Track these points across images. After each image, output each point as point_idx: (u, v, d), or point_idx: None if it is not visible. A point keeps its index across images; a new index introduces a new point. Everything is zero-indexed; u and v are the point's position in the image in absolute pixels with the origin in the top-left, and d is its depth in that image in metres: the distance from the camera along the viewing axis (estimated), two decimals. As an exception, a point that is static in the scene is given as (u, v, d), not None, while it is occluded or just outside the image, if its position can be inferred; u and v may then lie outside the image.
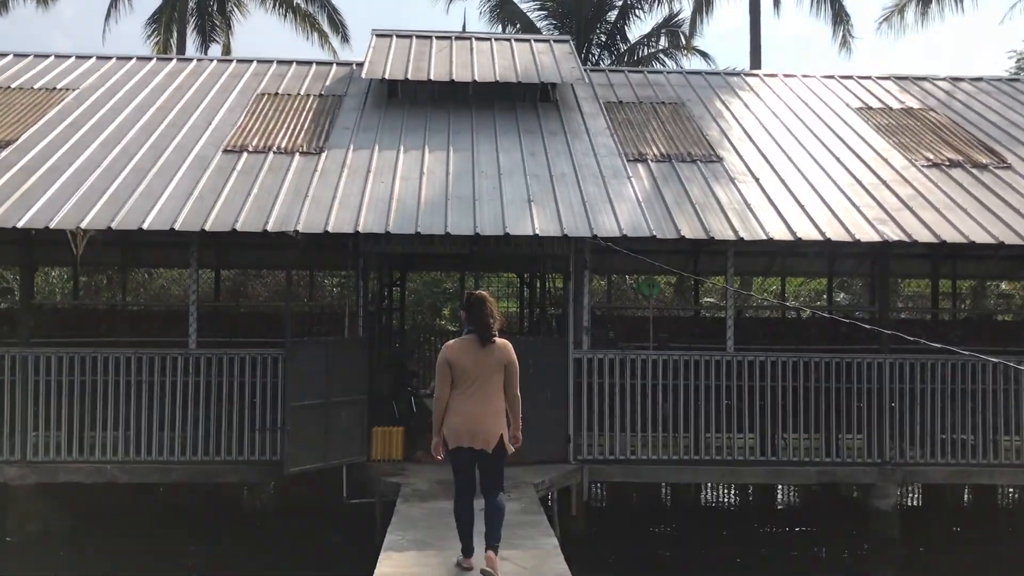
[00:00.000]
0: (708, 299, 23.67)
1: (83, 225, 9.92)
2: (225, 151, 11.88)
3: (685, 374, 10.93)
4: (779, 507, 13.78)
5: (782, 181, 11.80)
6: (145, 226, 9.98)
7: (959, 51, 79.46)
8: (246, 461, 10.68)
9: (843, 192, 11.53)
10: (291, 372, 10.08)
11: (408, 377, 13.32)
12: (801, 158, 12.54)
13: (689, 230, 10.34)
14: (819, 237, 10.40)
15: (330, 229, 10.03)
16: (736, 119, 13.90)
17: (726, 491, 14.08)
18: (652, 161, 12.14)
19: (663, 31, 27.90)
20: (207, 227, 9.98)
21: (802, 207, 11.08)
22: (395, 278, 16.00)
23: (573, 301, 11.02)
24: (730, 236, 10.31)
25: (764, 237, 10.34)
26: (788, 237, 10.39)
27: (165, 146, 11.98)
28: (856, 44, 32.91)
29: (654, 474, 11.09)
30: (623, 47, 28.15)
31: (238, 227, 9.98)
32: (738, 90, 15.22)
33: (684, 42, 27.80)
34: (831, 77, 15.96)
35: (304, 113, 13.29)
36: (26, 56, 15.09)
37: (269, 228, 9.98)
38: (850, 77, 16.01)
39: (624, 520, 12.61)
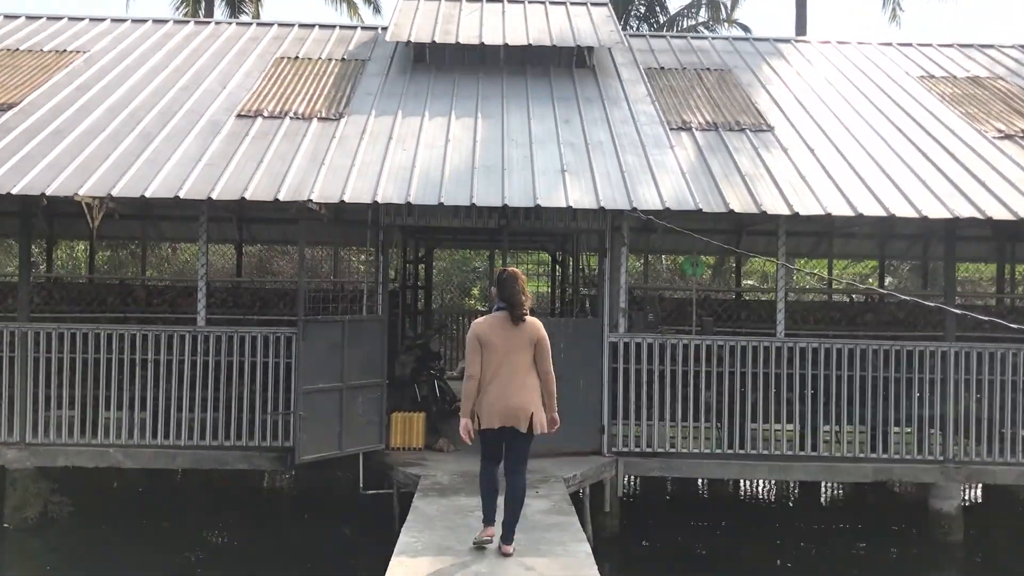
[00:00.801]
0: (747, 281, 22.80)
1: (81, 192, 9.21)
2: (238, 116, 11.13)
3: (731, 361, 10.07)
4: (823, 501, 12.85)
5: (839, 152, 10.82)
6: (148, 194, 9.26)
7: (1013, 24, 76.92)
8: (257, 447, 10.01)
9: (907, 164, 10.53)
10: (304, 353, 9.36)
11: (432, 359, 12.56)
12: (859, 128, 11.53)
13: (739, 203, 9.42)
14: (882, 213, 9.43)
15: (347, 199, 9.25)
16: (787, 87, 12.90)
17: (765, 483, 13.16)
18: (697, 130, 11.21)
19: (704, 2, 26.79)
20: (214, 195, 9.23)
21: (862, 180, 10.10)
22: (420, 254, 15.24)
23: (609, 280, 10.17)
24: (783, 211, 9.38)
25: (822, 212, 9.40)
26: (848, 213, 9.43)
27: (175, 111, 11.24)
28: (905, 19, 31.55)
29: (695, 469, 10.23)
30: (662, 19, 27.09)
31: (247, 196, 9.23)
32: (788, 57, 14.18)
33: (726, 14, 26.69)
34: (888, 44, 14.87)
35: (325, 78, 12.50)
36: (38, 18, 14.41)
37: (281, 197, 9.21)
38: (909, 44, 14.90)
39: (660, 514, 11.76)
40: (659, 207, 9.28)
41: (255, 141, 10.47)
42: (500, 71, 12.84)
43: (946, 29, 73.09)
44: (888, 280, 25.79)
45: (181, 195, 9.21)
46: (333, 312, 9.87)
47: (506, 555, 6.47)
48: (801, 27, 24.07)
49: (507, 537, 6.52)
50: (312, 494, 11.82)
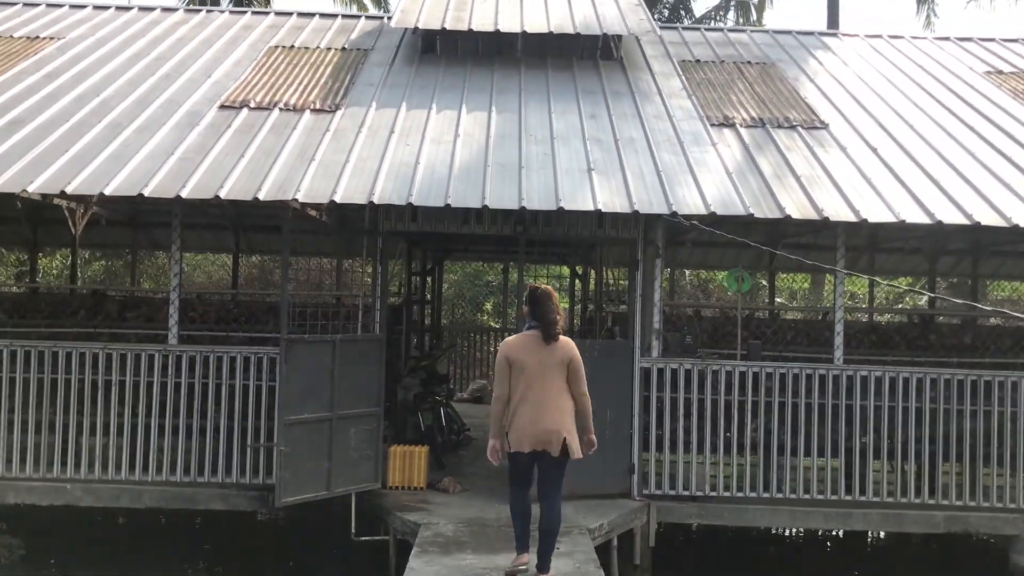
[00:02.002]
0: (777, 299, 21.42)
1: (30, 189, 7.92)
2: (222, 107, 9.86)
3: (781, 390, 8.70)
4: (875, 541, 11.35)
5: (906, 152, 9.45)
6: (108, 191, 7.97)
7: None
8: (235, 484, 8.70)
9: (986, 167, 9.15)
10: (287, 377, 8.03)
11: (439, 383, 11.21)
12: (926, 127, 10.16)
13: (796, 208, 8.05)
14: (965, 221, 8.04)
15: (338, 199, 7.94)
16: (838, 81, 11.54)
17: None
18: (741, 126, 9.87)
19: (732, 3, 25.47)
20: (184, 193, 7.94)
21: (936, 184, 8.73)
22: (427, 266, 13.92)
23: (642, 297, 8.82)
24: (848, 217, 8.01)
25: (894, 219, 8.01)
26: (925, 220, 8.04)
27: (151, 100, 10.00)
28: (939, 25, 30.27)
29: (739, 516, 8.79)
30: (687, 21, 25.78)
31: (223, 194, 7.93)
32: (836, 51, 12.83)
33: (755, 16, 25.35)
34: (946, 39, 13.51)
35: (322, 67, 11.23)
36: (13, 4, 13.22)
37: (261, 196, 7.91)
38: (969, 39, 13.52)
39: (695, 560, 10.32)
40: (702, 211, 7.93)
41: (237, 134, 9.20)
42: (517, 63, 11.54)
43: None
44: (924, 298, 24.38)
45: (146, 193, 7.93)
46: (324, 330, 8.58)
47: None
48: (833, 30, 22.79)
49: (543, 566, 6.29)
50: (301, 535, 10.42)
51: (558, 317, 6.21)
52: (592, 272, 14.23)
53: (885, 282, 11.87)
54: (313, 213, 9.00)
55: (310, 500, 8.19)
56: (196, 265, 23.13)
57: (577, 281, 15.24)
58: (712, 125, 9.85)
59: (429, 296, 14.88)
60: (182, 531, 10.08)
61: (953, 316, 13.18)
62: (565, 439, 6.11)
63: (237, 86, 10.46)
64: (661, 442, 8.71)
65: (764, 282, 24.08)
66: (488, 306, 21.58)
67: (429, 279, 14.61)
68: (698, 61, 12.01)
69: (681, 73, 11.49)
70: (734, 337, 10.28)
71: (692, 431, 8.70)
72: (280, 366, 8.08)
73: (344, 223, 9.85)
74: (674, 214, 7.83)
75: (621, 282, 11.06)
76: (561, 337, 6.21)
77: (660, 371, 8.73)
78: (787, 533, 11.07)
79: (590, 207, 7.95)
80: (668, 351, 8.97)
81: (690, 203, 8.07)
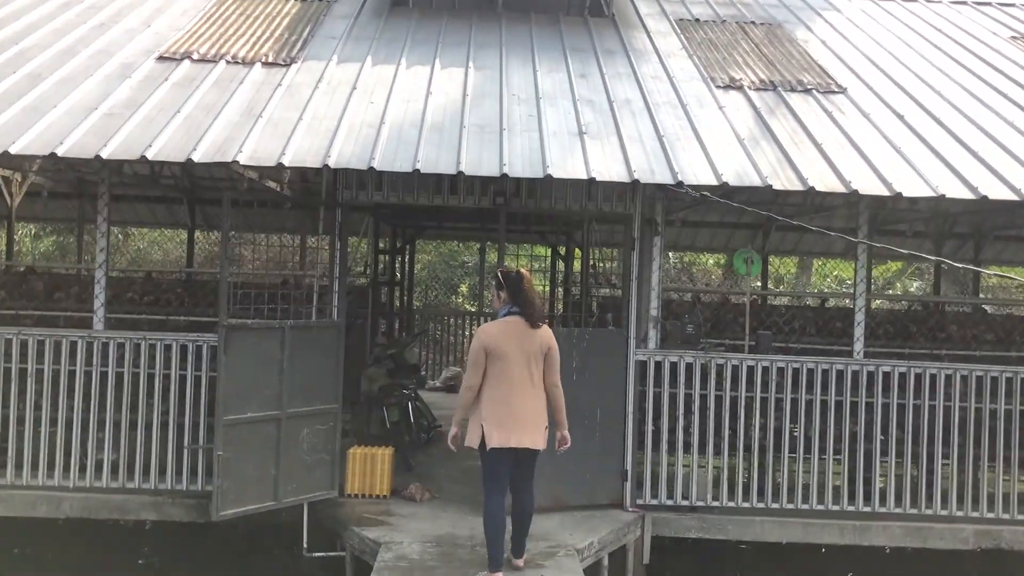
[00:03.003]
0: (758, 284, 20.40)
1: (-82, 145, 6.67)
2: (160, 59, 8.62)
3: (793, 386, 7.67)
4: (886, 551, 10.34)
5: (936, 120, 8.38)
6: (14, 150, 6.73)
7: None
8: (170, 491, 7.56)
9: (1026, 136, 8.12)
10: (227, 369, 6.88)
11: (408, 373, 10.07)
12: (955, 93, 9.10)
13: (820, 180, 6.94)
14: (1013, 196, 6.97)
15: (287, 161, 6.74)
16: (852, 44, 10.44)
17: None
18: (750, 89, 8.76)
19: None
20: (105, 154, 6.71)
21: (975, 155, 7.66)
22: (398, 244, 12.76)
23: (637, 280, 7.73)
24: (880, 191, 6.92)
25: (932, 194, 6.92)
26: (967, 195, 6.95)
27: (79, 51, 8.73)
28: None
29: (745, 529, 7.72)
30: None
31: (150, 155, 6.71)
32: (846, 13, 11.71)
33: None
34: (963, 2, 12.44)
35: (279, 19, 9.98)
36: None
37: (196, 158, 6.70)
38: (988, 3, 12.47)
39: (690, 569, 9.26)
40: (712, 181, 6.81)
41: (176, 88, 7.98)
42: (498, 17, 10.37)
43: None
44: (915, 284, 23.44)
45: (60, 152, 6.70)
46: (275, 315, 7.42)
47: (518, 568, 5.99)
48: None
49: (518, 551, 6.03)
50: (250, 545, 9.25)
51: (540, 300, 5.91)
52: (577, 252, 13.12)
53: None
54: (273, 184, 7.86)
55: (253, 512, 7.08)
56: (153, 241, 21.79)
57: (559, 262, 14.10)
58: (717, 87, 8.74)
59: (400, 277, 13.73)
60: (123, 536, 8.84)
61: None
62: (545, 430, 5.83)
63: (181, 37, 9.21)
64: (658, 445, 7.66)
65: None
66: (464, 288, 20.43)
67: (400, 259, 13.44)
68: (697, 20, 10.87)
69: (679, 32, 10.35)
70: (736, 325, 9.26)
71: (693, 432, 7.66)
72: (219, 356, 6.93)
73: (309, 194, 8.69)
74: (680, 184, 6.71)
75: (609, 264, 9.94)
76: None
77: (658, 364, 7.66)
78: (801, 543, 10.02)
79: (582, 175, 6.81)
80: (667, 341, 7.90)
81: (698, 172, 6.95)
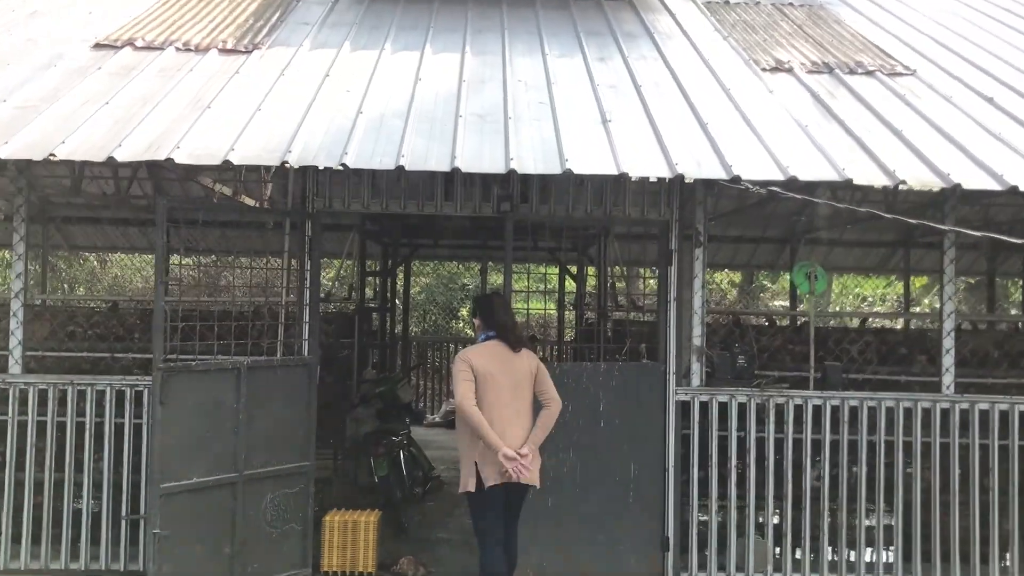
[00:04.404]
0: (779, 303, 18.94)
1: None
2: (97, 46, 7.21)
3: (870, 427, 6.25)
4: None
5: (1033, 103, 6.96)
6: None
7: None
8: (104, 571, 6.11)
9: None
10: (163, 425, 5.44)
11: (399, 415, 8.62)
12: (1043, 73, 7.68)
13: (911, 175, 5.48)
14: None
15: (235, 160, 5.30)
16: (910, 25, 9.04)
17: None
18: (802, 71, 7.33)
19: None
20: (4, 154, 5.29)
21: (1089, 140, 6.23)
22: (388, 264, 11.32)
23: (676, 302, 6.30)
24: (989, 185, 5.46)
25: (1059, 188, 5.47)
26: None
27: (2, 39, 7.35)
28: None
29: (817, 609, 6.27)
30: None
31: (60, 154, 5.26)
32: (894, -6, 10.32)
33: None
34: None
35: (245, 4, 8.60)
36: None
37: (120, 157, 5.26)
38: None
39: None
40: (779, 176, 5.36)
41: (109, 78, 6.56)
42: (498, 3, 8.98)
43: None
44: (926, 302, 21.84)
45: (-64, 153, 5.27)
46: (225, 350, 6.00)
47: None
48: None
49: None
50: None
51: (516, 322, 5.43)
52: (589, 270, 11.67)
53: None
54: (251, 201, 6.50)
55: (202, 603, 5.62)
56: (136, 269, 20.38)
57: (569, 281, 12.58)
58: (763, 70, 7.32)
59: (394, 301, 12.27)
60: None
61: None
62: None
63: (127, 24, 7.82)
64: (707, 502, 6.22)
65: (768, 283, 21.72)
66: (464, 312, 18.95)
67: (391, 281, 11.99)
68: (727, 2, 9.47)
69: (709, 14, 8.95)
70: (785, 353, 7.80)
71: (749, 486, 6.21)
72: (153, 408, 5.49)
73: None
74: (737, 179, 5.25)
75: (625, 283, 8.50)
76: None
77: (703, 405, 6.22)
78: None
79: (611, 170, 5.35)
80: (713, 377, 6.44)
81: (757, 165, 5.50)
